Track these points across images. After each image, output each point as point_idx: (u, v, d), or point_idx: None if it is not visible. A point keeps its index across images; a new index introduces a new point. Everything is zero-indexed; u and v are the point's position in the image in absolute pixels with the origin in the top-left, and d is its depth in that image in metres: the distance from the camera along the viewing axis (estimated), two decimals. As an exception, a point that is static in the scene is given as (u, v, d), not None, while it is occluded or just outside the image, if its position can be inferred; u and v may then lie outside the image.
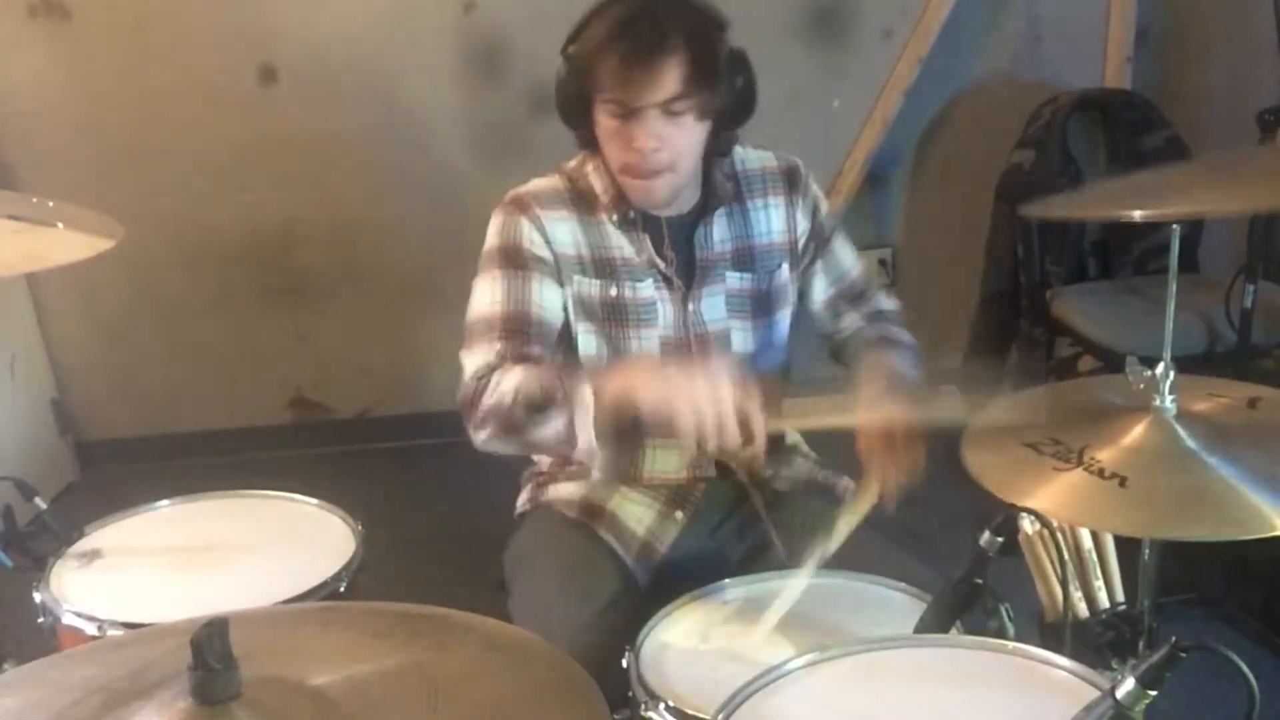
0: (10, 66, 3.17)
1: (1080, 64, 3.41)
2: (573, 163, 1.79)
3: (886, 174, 3.50)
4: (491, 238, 1.74)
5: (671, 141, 1.62)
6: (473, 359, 1.67)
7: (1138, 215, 1.28)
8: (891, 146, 3.42)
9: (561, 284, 1.72)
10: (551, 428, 1.55)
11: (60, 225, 1.56)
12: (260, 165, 3.32)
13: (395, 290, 3.46)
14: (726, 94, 1.64)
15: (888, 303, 1.90)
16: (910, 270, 3.60)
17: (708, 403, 1.41)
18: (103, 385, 3.49)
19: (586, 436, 1.52)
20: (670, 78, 1.57)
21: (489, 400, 1.60)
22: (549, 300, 1.71)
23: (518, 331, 1.67)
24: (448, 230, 3.27)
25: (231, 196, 3.33)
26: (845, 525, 1.55)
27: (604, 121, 1.64)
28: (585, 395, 1.52)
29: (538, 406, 1.55)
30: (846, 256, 1.88)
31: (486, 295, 1.70)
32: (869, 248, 3.53)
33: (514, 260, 1.71)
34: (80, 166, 3.22)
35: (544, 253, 1.71)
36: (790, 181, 1.81)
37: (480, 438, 1.64)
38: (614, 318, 1.75)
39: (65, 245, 1.52)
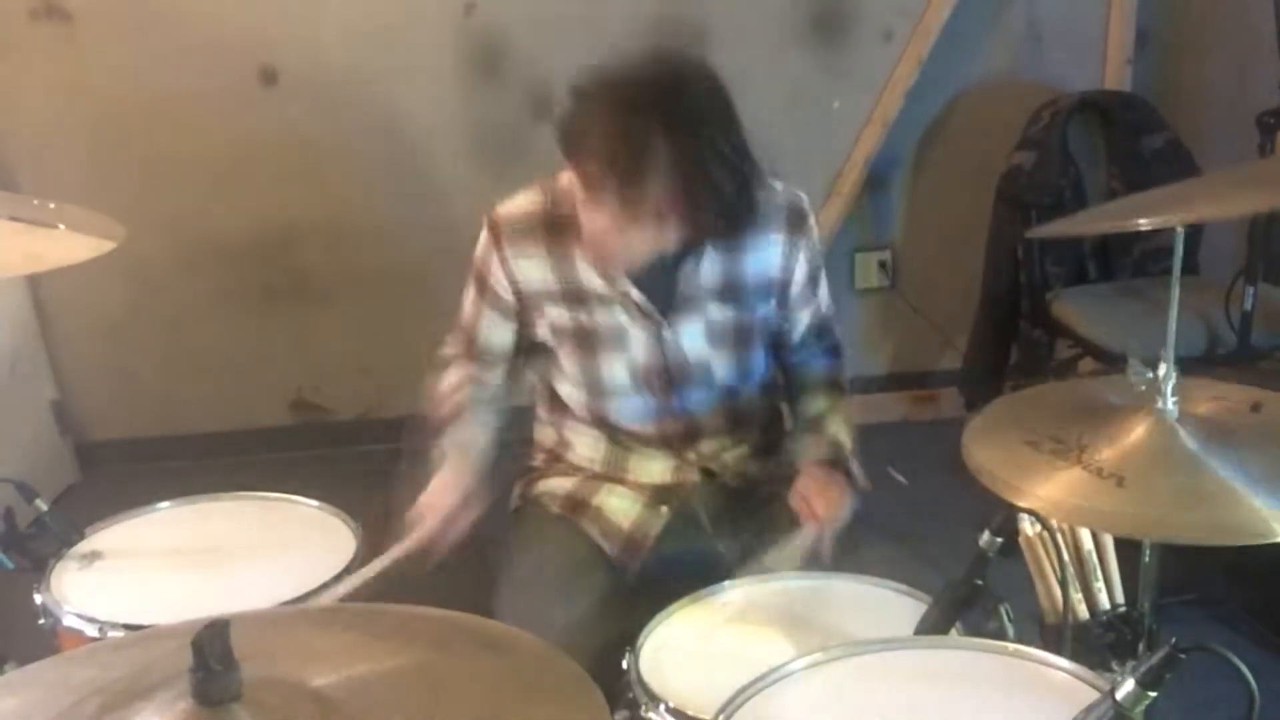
0: (11, 68, 3.17)
1: (1080, 65, 3.41)
2: (562, 179, 1.71)
3: (886, 175, 3.49)
4: (477, 247, 1.81)
5: (654, 240, 1.61)
6: (447, 344, 1.92)
7: (1143, 223, 1.28)
8: (891, 147, 3.42)
9: (519, 320, 1.81)
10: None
11: (61, 226, 1.56)
12: (261, 166, 3.31)
13: (396, 292, 3.45)
14: (715, 201, 1.55)
15: (838, 332, 1.93)
16: (910, 271, 3.59)
17: None
18: (103, 386, 3.49)
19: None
20: (661, 200, 1.53)
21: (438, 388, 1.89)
22: (496, 334, 1.84)
23: (469, 343, 1.87)
24: (448, 232, 3.24)
25: (232, 198, 3.33)
26: (773, 562, 1.62)
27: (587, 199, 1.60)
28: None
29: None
30: (824, 292, 1.87)
31: (463, 302, 1.87)
32: (869, 248, 3.53)
33: (480, 285, 1.82)
34: (81, 168, 3.21)
35: (504, 294, 1.79)
36: (793, 221, 1.77)
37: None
38: (585, 344, 1.77)
39: (66, 246, 1.52)
